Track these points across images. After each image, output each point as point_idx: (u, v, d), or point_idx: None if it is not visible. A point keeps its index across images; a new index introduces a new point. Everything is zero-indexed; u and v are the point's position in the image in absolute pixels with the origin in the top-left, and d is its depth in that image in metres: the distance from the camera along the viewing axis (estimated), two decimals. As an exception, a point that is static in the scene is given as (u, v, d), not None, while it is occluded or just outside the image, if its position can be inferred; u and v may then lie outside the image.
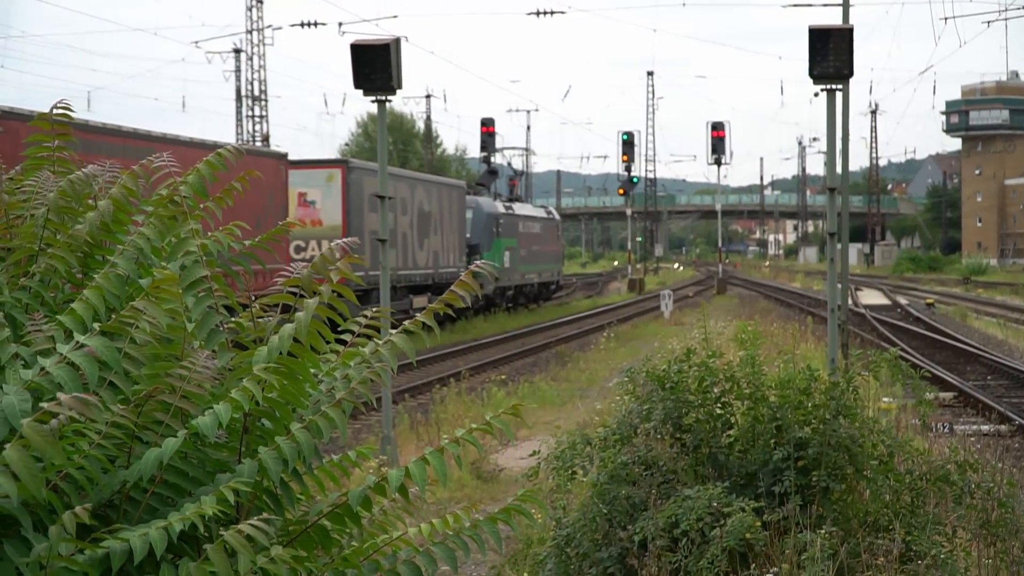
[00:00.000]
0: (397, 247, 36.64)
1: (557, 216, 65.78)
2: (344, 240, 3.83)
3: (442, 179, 49.24)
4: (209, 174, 4.12)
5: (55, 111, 4.37)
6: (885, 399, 15.45)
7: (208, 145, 29.09)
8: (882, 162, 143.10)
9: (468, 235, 46.31)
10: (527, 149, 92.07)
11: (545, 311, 53.42)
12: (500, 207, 51.55)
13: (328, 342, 3.88)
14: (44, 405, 3.04)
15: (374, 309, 4.10)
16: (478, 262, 3.91)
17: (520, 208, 56.21)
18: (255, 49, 63.69)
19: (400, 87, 13.54)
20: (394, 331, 3.90)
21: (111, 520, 3.33)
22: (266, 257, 4.29)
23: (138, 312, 3.46)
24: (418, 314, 3.89)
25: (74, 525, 2.98)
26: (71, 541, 3.03)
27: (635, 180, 74.13)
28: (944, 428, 16.02)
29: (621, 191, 73.87)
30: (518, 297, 53.65)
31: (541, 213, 60.93)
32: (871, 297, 56.90)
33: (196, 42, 70.94)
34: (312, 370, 3.71)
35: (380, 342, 3.92)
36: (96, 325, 3.44)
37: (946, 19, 43.13)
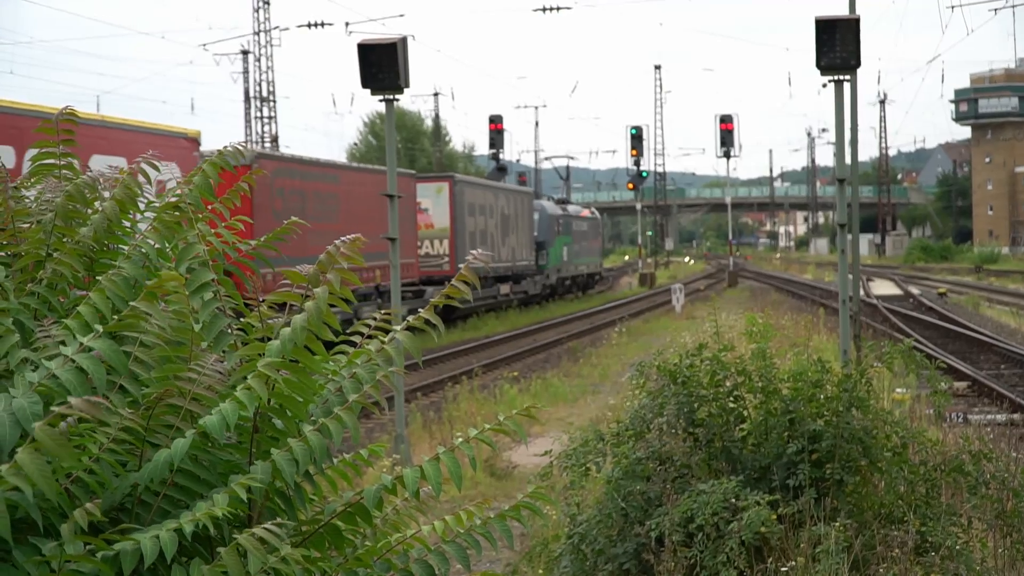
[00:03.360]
0: (487, 244, 44.34)
1: (598, 215, 71.39)
2: (348, 237, 3.81)
3: (516, 187, 56.83)
4: (214, 175, 4.12)
5: (61, 117, 4.36)
6: (898, 390, 15.40)
7: (380, 171, 35.56)
8: (891, 152, 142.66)
9: (535, 233, 53.33)
10: (570, 157, 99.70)
11: (556, 307, 53.63)
12: (559, 209, 58.91)
13: (337, 335, 3.87)
14: (54, 408, 3.02)
15: (384, 311, 4.10)
16: (474, 252, 3.93)
17: (572, 209, 63.39)
18: (262, 50, 63.84)
19: (407, 86, 13.50)
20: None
21: (123, 524, 3.31)
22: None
23: (138, 311, 3.44)
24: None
25: (85, 521, 2.96)
26: (82, 538, 3.01)
27: (644, 174, 74.30)
28: (958, 418, 15.97)
29: (631, 185, 74.08)
30: (572, 286, 61.59)
31: (588, 213, 67.00)
32: (883, 287, 56.78)
33: (204, 44, 71.29)
34: (322, 366, 3.69)
35: (385, 340, 3.90)
36: (99, 327, 3.43)
37: (952, 7, 43.06)
